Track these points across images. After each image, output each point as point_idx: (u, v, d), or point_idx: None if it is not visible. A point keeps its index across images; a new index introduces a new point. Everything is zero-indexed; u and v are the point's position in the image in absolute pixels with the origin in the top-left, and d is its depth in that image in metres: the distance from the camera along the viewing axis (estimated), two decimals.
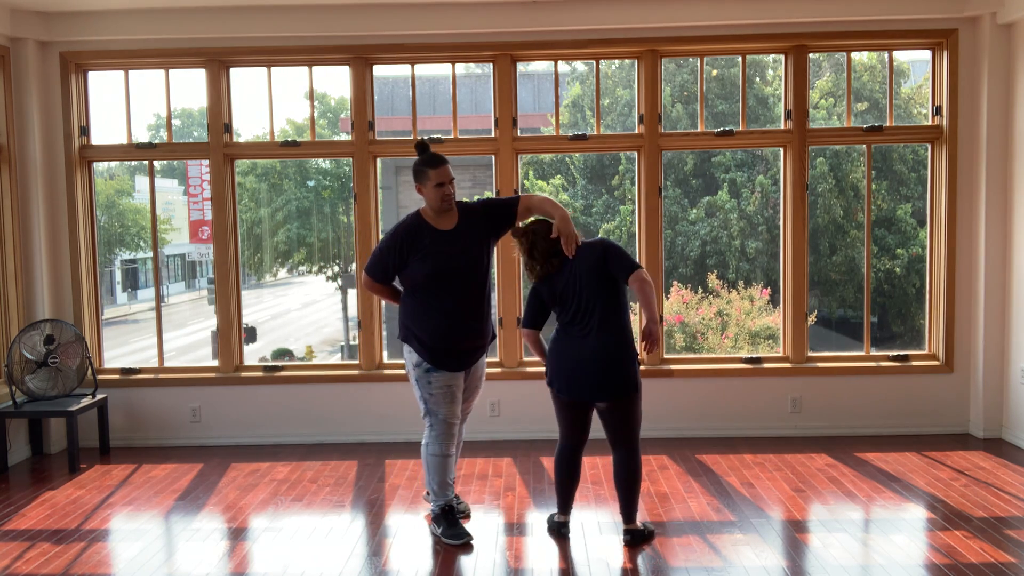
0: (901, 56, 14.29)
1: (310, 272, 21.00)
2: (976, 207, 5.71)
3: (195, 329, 22.81)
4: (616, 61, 13.74)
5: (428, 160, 3.99)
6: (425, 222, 4.03)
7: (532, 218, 4.12)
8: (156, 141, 6.21)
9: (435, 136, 5.93)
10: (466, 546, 4.02)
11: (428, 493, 4.21)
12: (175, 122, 26.75)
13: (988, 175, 5.61)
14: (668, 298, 10.32)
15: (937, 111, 5.82)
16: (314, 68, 6.06)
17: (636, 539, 3.97)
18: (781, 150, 5.96)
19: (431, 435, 4.05)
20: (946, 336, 5.84)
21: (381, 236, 6.16)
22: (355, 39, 5.78)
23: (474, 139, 6.05)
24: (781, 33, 5.72)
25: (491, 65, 5.87)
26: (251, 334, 18.48)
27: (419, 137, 4.45)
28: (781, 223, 6.01)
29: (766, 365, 5.92)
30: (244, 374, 6.00)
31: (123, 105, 6.05)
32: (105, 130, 6.45)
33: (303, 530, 4.28)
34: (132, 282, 28.14)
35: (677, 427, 5.87)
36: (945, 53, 5.71)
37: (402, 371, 5.97)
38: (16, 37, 5.63)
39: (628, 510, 3.98)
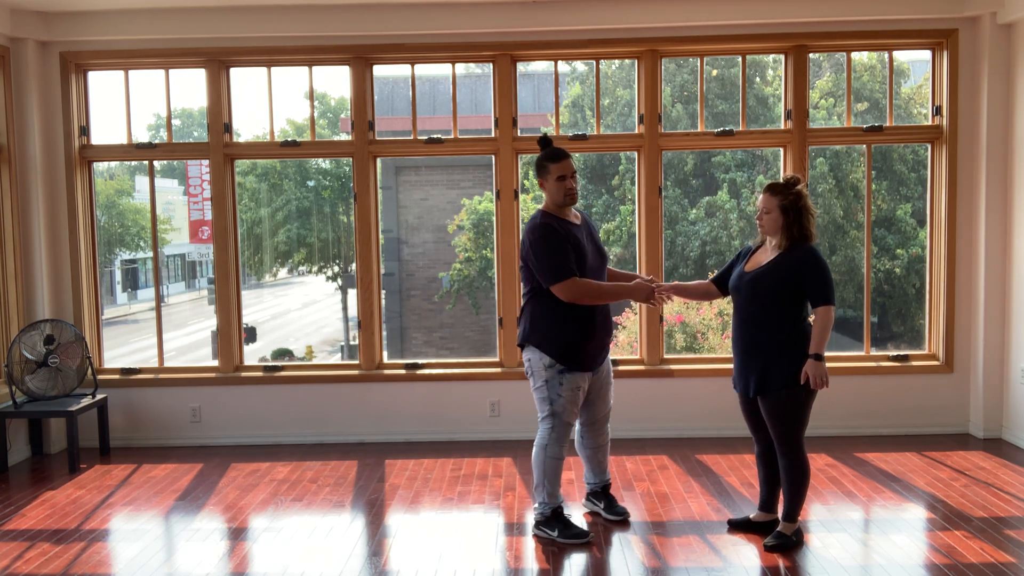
0: (901, 56, 14.29)
1: (310, 272, 21.00)
2: (976, 207, 5.71)
3: (195, 329, 22.82)
4: (616, 61, 13.74)
5: (549, 155, 3.98)
6: (557, 218, 3.96)
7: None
8: (156, 141, 6.21)
9: (435, 136, 5.94)
10: (588, 545, 3.94)
11: (539, 503, 4.05)
12: (175, 122, 26.76)
13: (988, 175, 5.60)
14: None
15: (937, 111, 5.81)
16: (314, 68, 6.06)
17: (776, 539, 3.89)
18: (781, 150, 5.96)
19: (551, 436, 3.94)
20: (946, 336, 5.84)
21: (382, 236, 6.18)
22: (355, 39, 5.78)
23: (474, 139, 6.05)
24: (781, 33, 5.72)
25: (491, 65, 5.87)
26: (251, 334, 18.49)
27: (545, 132, 4.44)
28: None
29: None
30: (244, 374, 6.00)
31: (123, 105, 6.06)
32: (105, 130, 6.44)
33: (303, 530, 4.28)
34: (132, 282, 28.15)
35: (677, 427, 5.87)
36: (945, 53, 5.71)
37: (401, 371, 5.97)
38: (16, 37, 5.62)
39: (786, 507, 3.91)
